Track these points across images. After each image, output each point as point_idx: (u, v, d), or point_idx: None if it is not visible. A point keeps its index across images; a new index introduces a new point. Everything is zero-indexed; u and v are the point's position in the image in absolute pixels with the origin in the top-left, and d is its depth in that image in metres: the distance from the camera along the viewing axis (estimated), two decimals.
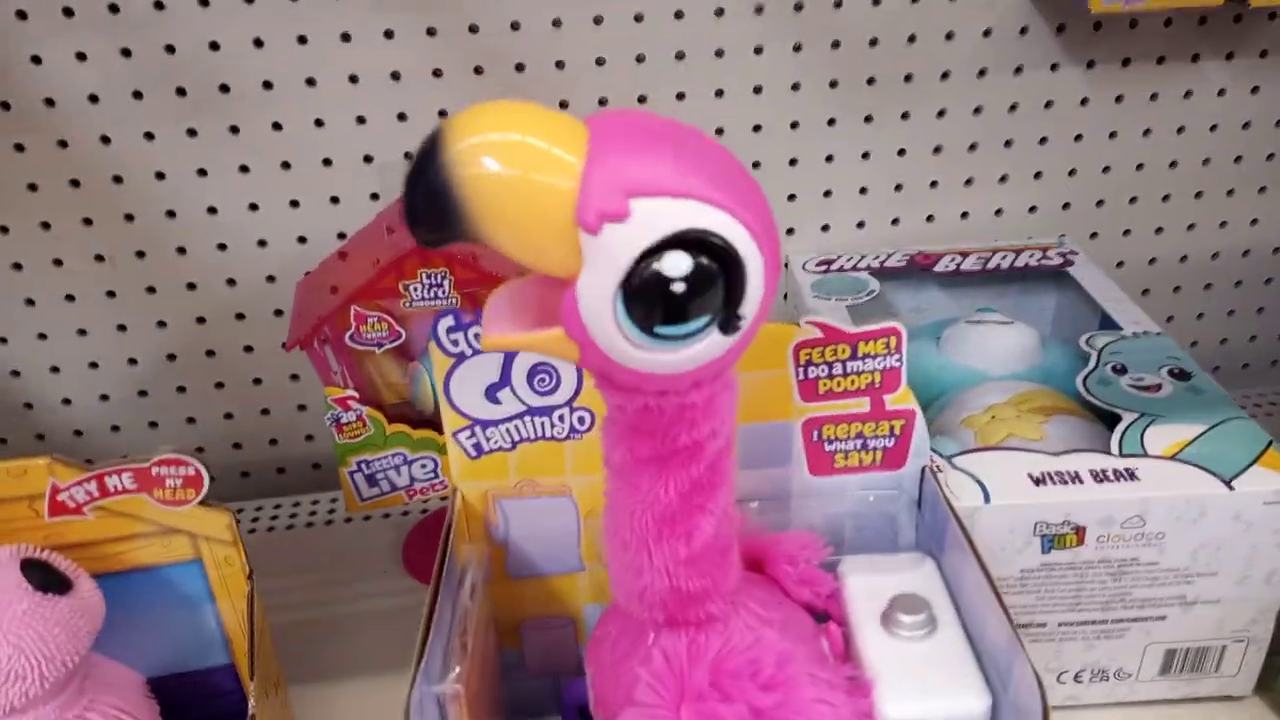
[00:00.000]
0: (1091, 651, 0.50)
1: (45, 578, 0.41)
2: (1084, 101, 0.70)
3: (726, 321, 0.29)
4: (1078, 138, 0.71)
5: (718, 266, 0.27)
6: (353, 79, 0.62)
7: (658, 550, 0.34)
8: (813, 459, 0.44)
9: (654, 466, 0.33)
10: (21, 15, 0.58)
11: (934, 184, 0.72)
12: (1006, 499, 0.46)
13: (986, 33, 0.66)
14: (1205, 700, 0.52)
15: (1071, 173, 0.73)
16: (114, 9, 0.59)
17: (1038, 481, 0.47)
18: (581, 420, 0.44)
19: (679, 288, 0.27)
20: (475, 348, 0.42)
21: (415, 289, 0.53)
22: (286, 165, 0.64)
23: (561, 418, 0.43)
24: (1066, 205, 0.74)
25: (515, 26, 0.62)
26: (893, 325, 0.42)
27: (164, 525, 0.45)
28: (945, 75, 0.68)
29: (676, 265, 0.27)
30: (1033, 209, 0.73)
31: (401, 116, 0.64)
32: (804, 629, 0.39)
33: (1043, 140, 0.71)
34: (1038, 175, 0.72)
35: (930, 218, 0.73)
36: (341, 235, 0.66)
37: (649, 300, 0.27)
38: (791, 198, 0.71)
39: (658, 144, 0.28)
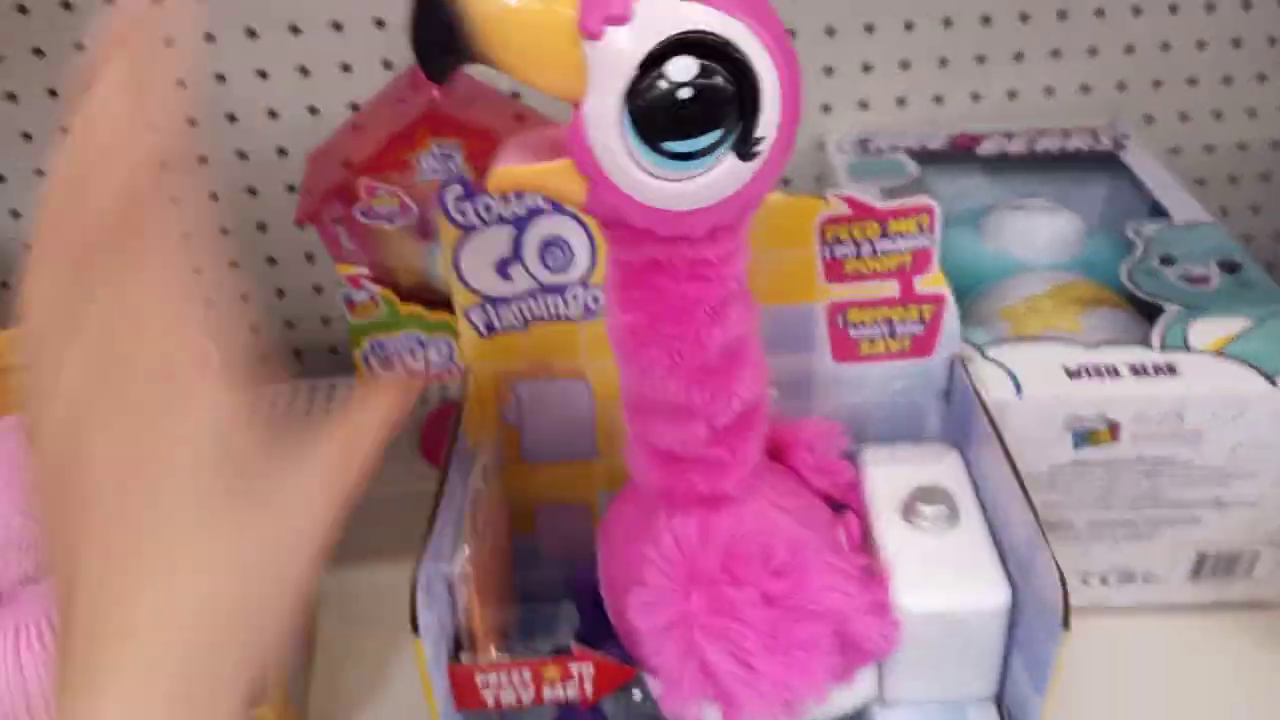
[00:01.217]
0: (1120, 553, 0.49)
1: None
2: None
3: (742, 143, 0.27)
4: (1137, 11, 0.66)
5: (727, 74, 0.26)
6: None
7: (681, 425, 0.33)
8: (837, 344, 0.42)
9: (666, 342, 0.31)
10: None
11: (981, 59, 0.67)
12: (1038, 391, 0.44)
13: None
14: (1235, 606, 0.50)
15: (1128, 50, 0.68)
16: None
17: (1072, 374, 0.45)
18: (595, 300, 0.42)
19: (685, 93, 0.26)
20: (485, 219, 0.40)
21: (426, 160, 0.51)
22: (295, 30, 0.62)
23: (575, 296, 0.42)
24: (1121, 85, 0.69)
25: None
26: (925, 202, 0.39)
27: None
28: None
29: (682, 70, 0.25)
30: (1085, 88, 0.69)
31: None
32: (820, 518, 0.38)
33: (1099, 12, 0.66)
34: (1092, 51, 0.68)
35: (976, 96, 0.69)
36: (354, 106, 0.64)
37: (655, 110, 0.26)
38: (828, 71, 0.67)
39: None
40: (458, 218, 0.40)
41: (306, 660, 0.50)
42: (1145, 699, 0.46)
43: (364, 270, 0.53)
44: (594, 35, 0.25)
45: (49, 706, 0.42)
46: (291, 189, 0.66)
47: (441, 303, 0.55)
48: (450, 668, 0.36)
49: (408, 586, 0.43)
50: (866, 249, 0.40)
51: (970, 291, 0.56)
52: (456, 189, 0.39)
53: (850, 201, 0.39)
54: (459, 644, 0.38)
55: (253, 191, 0.67)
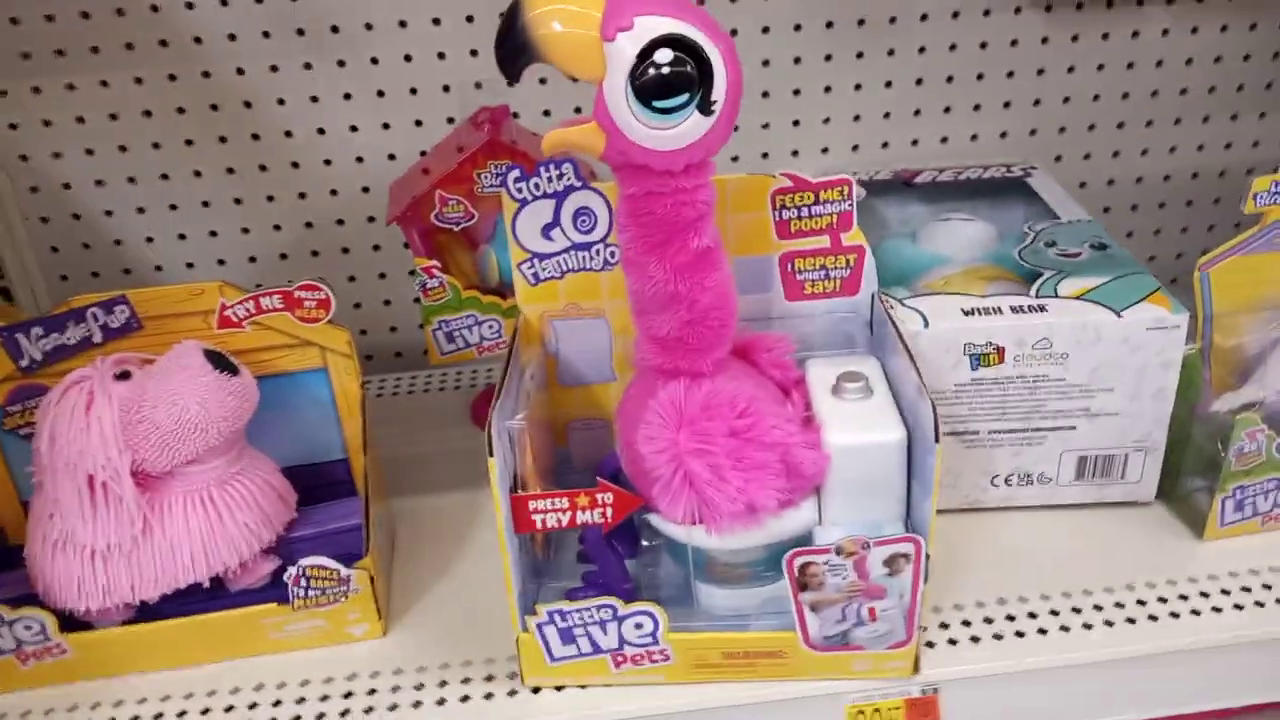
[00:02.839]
0: (1018, 457, 0.63)
1: (221, 361, 0.56)
2: (1044, 40, 0.82)
3: (703, 103, 0.43)
4: (1040, 71, 0.84)
5: (691, 59, 0.42)
6: (435, 21, 0.77)
7: (669, 315, 0.48)
8: (788, 286, 0.58)
9: (658, 249, 0.47)
10: None
11: (917, 112, 0.85)
12: (942, 325, 0.59)
13: None
14: (1115, 506, 0.64)
15: (1036, 102, 0.85)
16: None
17: (967, 313, 0.60)
18: (613, 255, 0.58)
19: (666, 71, 0.42)
20: (535, 194, 0.56)
21: (485, 176, 0.68)
22: (381, 94, 0.80)
23: (598, 252, 0.58)
24: (1033, 131, 0.86)
25: None
26: (845, 177, 0.56)
27: (301, 338, 0.60)
28: (924, 17, 0.81)
29: (663, 56, 0.42)
30: (1004, 134, 0.86)
31: (473, 53, 0.79)
32: (774, 394, 0.53)
33: (1010, 74, 0.84)
34: (1007, 105, 0.85)
35: (915, 141, 0.86)
36: (423, 153, 0.81)
37: (648, 83, 0.42)
38: (795, 123, 0.84)
39: None
40: (515, 194, 0.56)
41: (390, 549, 0.64)
42: (1031, 571, 0.60)
43: (436, 263, 0.69)
44: (610, 38, 0.42)
45: (209, 557, 0.56)
46: (370, 219, 0.84)
47: (492, 291, 0.72)
48: (512, 497, 0.50)
49: (465, 509, 0.58)
50: (805, 212, 0.56)
51: (905, 281, 0.72)
52: (516, 173, 0.56)
53: (791, 177, 0.56)
54: (514, 489, 0.52)
55: (340, 222, 0.84)
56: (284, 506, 0.60)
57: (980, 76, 0.84)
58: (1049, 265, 0.65)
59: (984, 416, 0.62)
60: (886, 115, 0.85)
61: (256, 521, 0.57)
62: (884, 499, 0.51)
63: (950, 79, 0.84)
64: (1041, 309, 0.60)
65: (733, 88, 0.44)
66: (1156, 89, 0.85)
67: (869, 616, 0.51)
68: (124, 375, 0.55)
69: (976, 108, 0.85)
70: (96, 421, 0.54)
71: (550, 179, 0.56)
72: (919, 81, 0.83)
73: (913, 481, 0.51)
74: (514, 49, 0.42)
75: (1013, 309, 0.60)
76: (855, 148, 0.86)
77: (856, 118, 0.85)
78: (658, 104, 0.43)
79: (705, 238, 0.47)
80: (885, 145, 0.86)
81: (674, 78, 0.42)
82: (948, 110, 0.85)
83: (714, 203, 0.47)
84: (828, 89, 0.83)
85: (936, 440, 0.47)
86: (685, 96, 0.43)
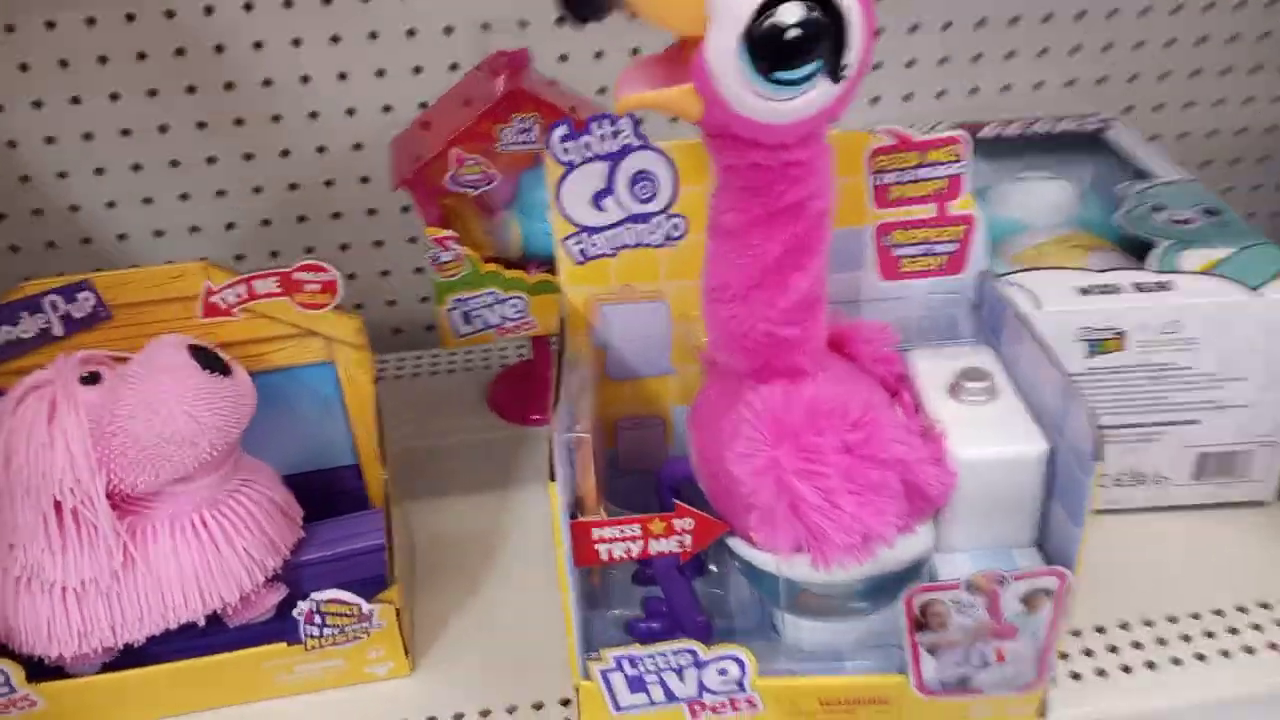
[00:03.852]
0: (1131, 455, 0.55)
1: (209, 359, 0.46)
2: None
3: (834, 69, 0.34)
4: (1112, 13, 0.75)
5: (826, 16, 0.33)
6: None
7: (758, 298, 0.39)
8: (883, 263, 0.49)
9: (762, 224, 0.38)
10: None
11: (977, 57, 0.76)
12: (1056, 306, 0.51)
13: None
14: (1233, 506, 0.57)
15: (1106, 48, 0.77)
16: None
17: (1084, 292, 0.52)
18: (676, 227, 0.49)
19: (794, 34, 0.32)
20: (585, 156, 0.47)
21: (507, 132, 0.58)
22: (374, 35, 0.69)
23: (658, 225, 0.49)
24: (1102, 79, 0.78)
25: None
26: (957, 134, 0.47)
27: (302, 328, 0.51)
28: None
29: (791, 13, 0.32)
30: (1070, 83, 0.78)
31: None
32: (883, 397, 0.45)
33: (1080, 15, 0.75)
34: (1075, 50, 0.76)
35: (974, 90, 0.77)
36: (423, 104, 0.71)
37: (768, 47, 0.33)
38: None
39: None
40: (561, 155, 0.47)
41: (411, 570, 0.56)
42: (1155, 589, 0.52)
43: (452, 233, 0.60)
44: None
45: (203, 592, 0.47)
46: (365, 180, 0.73)
47: (514, 265, 0.62)
48: (573, 523, 0.42)
49: (490, 512, 0.48)
50: (908, 176, 0.47)
51: None
52: (563, 129, 0.46)
53: (894, 134, 0.47)
54: (572, 512, 0.43)
55: (329, 183, 0.74)
56: (289, 526, 0.51)
57: (1048, 18, 0.75)
58: (1161, 234, 0.57)
59: (1099, 411, 0.54)
60: (943, 61, 0.76)
61: (258, 547, 0.48)
62: (1016, 521, 0.43)
63: (1014, 20, 0.75)
64: (1166, 287, 0.52)
65: (867, 39, 0.35)
66: (1236, 33, 0.77)
67: (995, 658, 0.43)
68: (92, 378, 0.46)
69: (1042, 52, 0.76)
70: (61, 436, 0.44)
71: (604, 136, 0.46)
72: (981, 23, 0.74)
73: (1055, 502, 0.43)
74: None
75: (1135, 287, 0.52)
76: (908, 96, 0.77)
77: (910, 63, 0.76)
78: (781, 75, 0.33)
79: (822, 204, 0.38)
80: (941, 94, 0.77)
81: (803, 42, 0.33)
82: (1010, 56, 0.76)
83: (832, 167, 0.38)
84: (879, 31, 0.73)
85: (1096, 456, 0.39)
86: (817, 64, 0.34)
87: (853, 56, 0.34)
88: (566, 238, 0.49)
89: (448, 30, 0.70)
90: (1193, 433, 0.54)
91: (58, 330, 0.48)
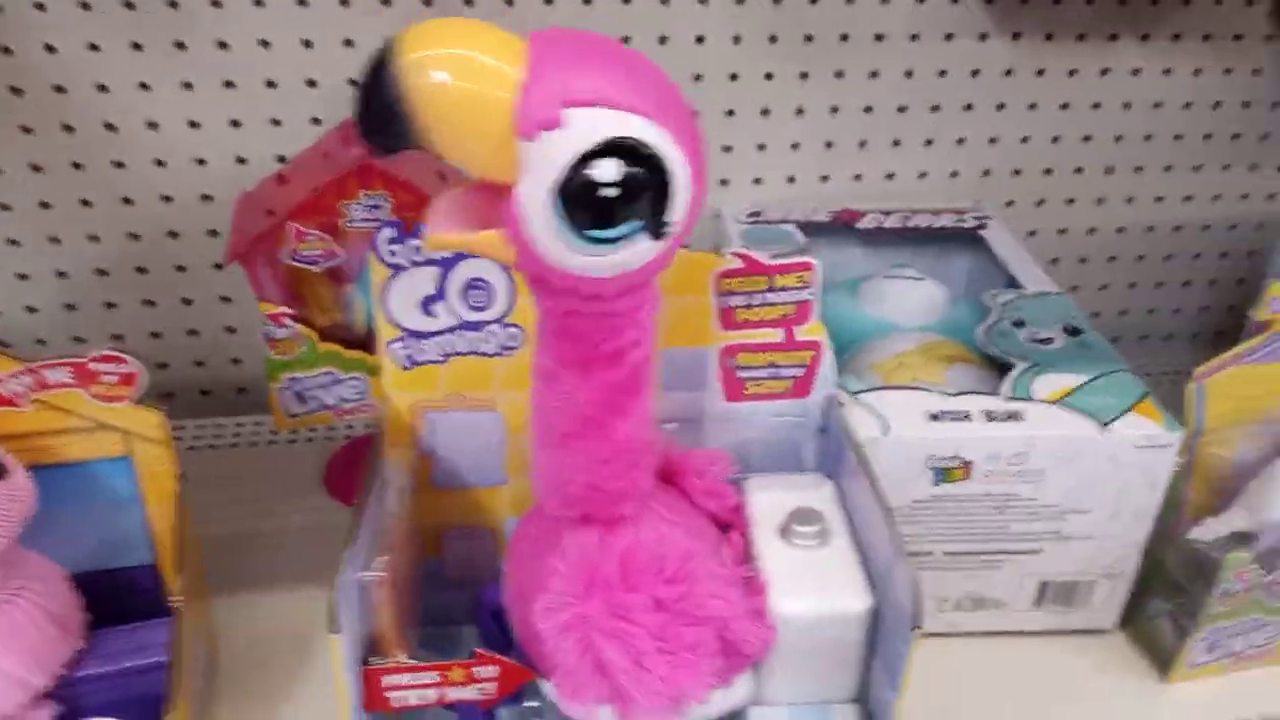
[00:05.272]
0: (972, 581, 0.54)
1: None
2: (1008, 72, 0.73)
3: (655, 228, 0.31)
4: (1000, 107, 0.75)
5: (646, 173, 0.30)
6: (301, 2, 0.63)
7: (580, 447, 0.37)
8: (727, 385, 0.47)
9: (578, 370, 0.35)
10: None
11: (863, 144, 0.75)
12: (903, 432, 0.50)
13: None
14: (1073, 633, 0.56)
15: (992, 141, 0.76)
16: None
17: (933, 418, 0.50)
18: (513, 337, 0.46)
19: (609, 192, 0.30)
20: (414, 260, 0.43)
21: (355, 209, 0.55)
22: (230, 84, 0.65)
23: (493, 334, 0.46)
24: (986, 172, 0.77)
25: None
26: (807, 260, 0.45)
27: (97, 421, 0.46)
28: (880, 37, 0.70)
29: (607, 171, 0.29)
30: (954, 174, 0.77)
31: (348, 42, 0.65)
32: (707, 536, 0.42)
33: (968, 107, 0.74)
34: (960, 141, 0.76)
35: (858, 176, 0.76)
36: (281, 159, 0.67)
37: (581, 204, 0.30)
38: (727, 149, 0.73)
39: (592, 58, 0.30)
40: (388, 258, 0.43)
41: (211, 680, 0.52)
42: (991, 714, 0.51)
43: (287, 309, 0.56)
44: (529, 137, 0.29)
45: None
46: (213, 233, 0.69)
47: (356, 343, 0.59)
48: (363, 670, 0.38)
49: (312, 611, 0.45)
50: (756, 299, 0.45)
51: (847, 349, 0.62)
52: (389, 233, 0.43)
53: (743, 257, 0.44)
54: (369, 652, 0.40)
55: (174, 235, 0.69)
56: (65, 638, 0.46)
57: (936, 108, 0.74)
58: (1019, 353, 0.56)
59: (941, 537, 0.52)
60: (829, 145, 0.74)
61: (23, 666, 0.44)
62: (837, 677, 0.41)
63: (903, 109, 0.74)
64: (1017, 417, 0.51)
65: (695, 197, 0.32)
66: (1121, 133, 0.77)
67: None
68: None
69: (928, 142, 0.75)
70: None
71: None
72: (868, 109, 0.73)
73: (875, 661, 0.41)
74: (381, 119, 0.29)
75: (985, 415, 0.51)
76: (791, 179, 0.75)
77: (795, 146, 0.74)
78: (595, 234, 0.31)
79: (643, 352, 0.36)
80: (825, 179, 0.76)
81: (620, 200, 0.30)
82: (897, 144, 0.75)
83: (656, 317, 0.36)
84: (765, 112, 0.72)
85: (915, 625, 0.37)
86: (635, 225, 0.31)
87: (677, 214, 0.32)
88: (392, 342, 0.46)
89: (311, 83, 0.66)
90: (1034, 562, 0.53)
91: None
